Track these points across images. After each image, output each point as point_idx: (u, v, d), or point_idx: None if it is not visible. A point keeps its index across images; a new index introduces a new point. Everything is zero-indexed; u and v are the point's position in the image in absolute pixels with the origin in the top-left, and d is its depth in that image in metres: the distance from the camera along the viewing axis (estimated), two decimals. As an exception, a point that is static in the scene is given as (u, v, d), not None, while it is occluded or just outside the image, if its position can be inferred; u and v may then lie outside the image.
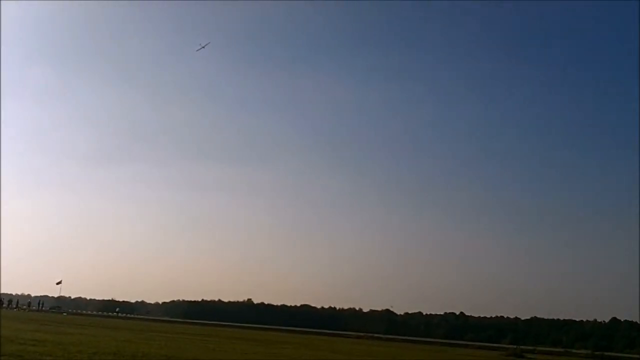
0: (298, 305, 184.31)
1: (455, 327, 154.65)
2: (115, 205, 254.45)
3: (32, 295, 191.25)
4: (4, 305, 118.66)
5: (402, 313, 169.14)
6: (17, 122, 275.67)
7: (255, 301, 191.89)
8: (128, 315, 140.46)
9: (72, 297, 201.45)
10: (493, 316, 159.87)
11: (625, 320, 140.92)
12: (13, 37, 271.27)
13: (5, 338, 26.04)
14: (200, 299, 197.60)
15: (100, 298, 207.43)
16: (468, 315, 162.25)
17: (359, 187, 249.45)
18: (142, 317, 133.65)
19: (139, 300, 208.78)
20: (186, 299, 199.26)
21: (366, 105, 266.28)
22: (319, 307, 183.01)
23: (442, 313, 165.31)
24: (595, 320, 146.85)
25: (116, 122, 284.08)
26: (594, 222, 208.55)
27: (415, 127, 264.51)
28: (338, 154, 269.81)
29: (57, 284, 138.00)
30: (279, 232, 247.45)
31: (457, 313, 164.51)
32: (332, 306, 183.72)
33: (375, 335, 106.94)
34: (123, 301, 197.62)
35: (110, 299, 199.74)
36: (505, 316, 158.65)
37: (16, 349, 21.34)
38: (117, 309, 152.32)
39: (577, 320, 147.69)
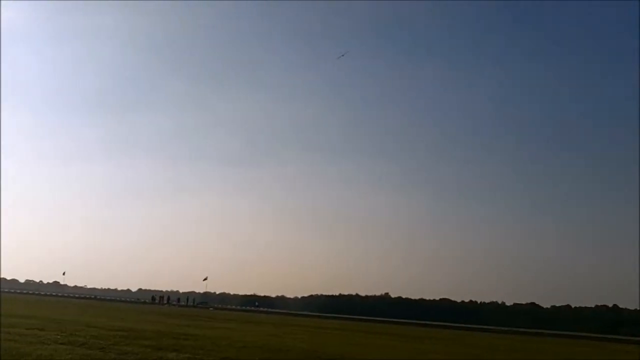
0: (437, 299, 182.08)
1: (607, 321, 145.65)
2: (253, 205, 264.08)
3: (180, 291, 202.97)
4: (163, 302, 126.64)
5: (548, 306, 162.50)
6: (157, 129, 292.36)
7: (393, 295, 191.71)
8: (268, 309, 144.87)
9: (217, 292, 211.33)
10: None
11: None
12: (150, 52, 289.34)
13: (161, 333, 27.45)
14: (337, 294, 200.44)
15: (243, 293, 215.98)
16: (622, 308, 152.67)
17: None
18: (282, 311, 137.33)
19: (279, 294, 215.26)
20: (324, 294, 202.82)
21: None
22: (458, 300, 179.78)
23: (592, 306, 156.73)
24: None
25: (251, 126, 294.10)
26: None
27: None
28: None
29: (204, 280, 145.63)
30: (416, 224, 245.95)
31: (610, 306, 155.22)
32: (473, 300, 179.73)
33: (521, 329, 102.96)
34: (264, 296, 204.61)
35: (252, 294, 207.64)
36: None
37: (171, 342, 22.36)
38: (257, 303, 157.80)
39: None
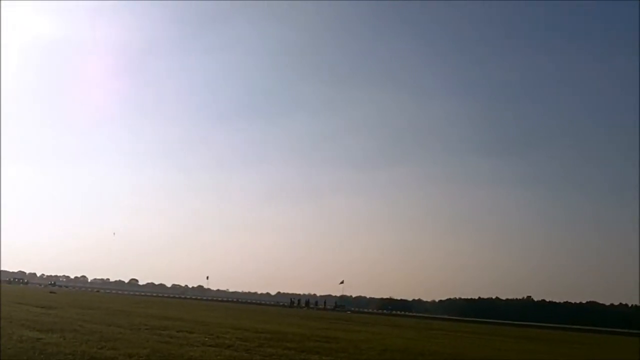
0: (584, 302, 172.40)
1: None
2: (390, 207, 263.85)
3: (317, 294, 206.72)
4: (302, 305, 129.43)
5: None
6: (293, 134, 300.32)
7: (536, 298, 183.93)
8: (406, 313, 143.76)
9: (353, 295, 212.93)
10: None
11: None
12: (287, 64, 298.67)
13: (303, 335, 27.86)
14: (476, 297, 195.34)
15: (379, 296, 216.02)
16: None
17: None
18: (419, 314, 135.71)
19: (416, 298, 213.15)
20: (462, 297, 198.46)
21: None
22: (607, 303, 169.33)
23: None
24: None
25: (385, 127, 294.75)
26: None
27: None
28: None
29: (340, 283, 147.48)
30: (555, 223, 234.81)
31: None
32: (624, 303, 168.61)
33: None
34: (400, 299, 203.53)
35: (389, 297, 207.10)
36: None
37: (314, 345, 22.60)
38: (389, 307, 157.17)
39: None
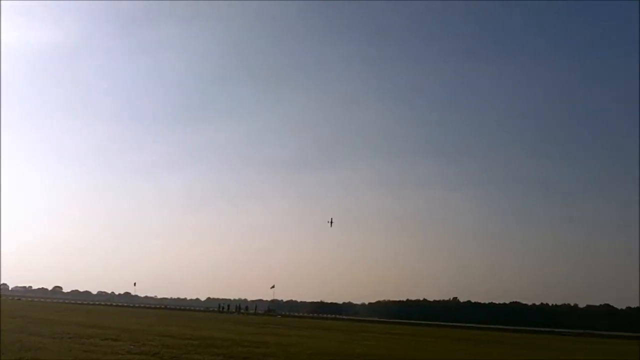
0: (507, 302, 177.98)
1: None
2: (318, 211, 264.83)
3: (249, 299, 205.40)
4: (232, 311, 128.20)
5: (623, 307, 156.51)
6: (222, 137, 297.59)
7: (462, 299, 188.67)
8: (336, 316, 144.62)
9: (284, 300, 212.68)
10: None
11: None
12: (213, 60, 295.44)
13: (232, 341, 27.61)
14: (405, 299, 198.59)
15: (310, 300, 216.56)
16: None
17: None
18: (350, 317, 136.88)
19: (346, 301, 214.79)
20: (391, 299, 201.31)
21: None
22: (529, 304, 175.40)
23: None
24: None
25: (313, 131, 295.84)
26: None
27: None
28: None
29: (271, 288, 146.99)
30: (483, 228, 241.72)
31: None
32: (544, 302, 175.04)
33: (596, 332, 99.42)
34: (331, 302, 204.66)
35: (320, 300, 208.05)
36: None
37: (242, 351, 22.42)
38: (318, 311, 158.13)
39: None
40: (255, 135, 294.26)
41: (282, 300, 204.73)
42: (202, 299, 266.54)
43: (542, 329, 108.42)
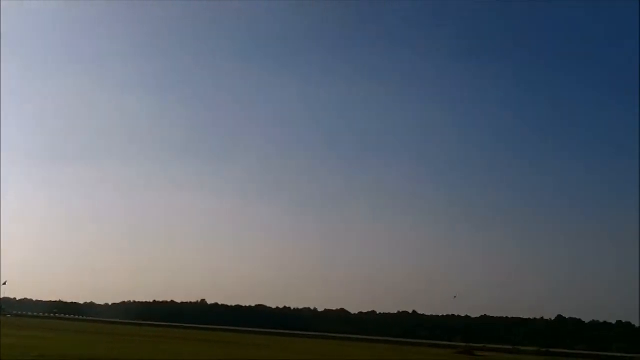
0: (253, 305, 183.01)
1: (409, 325, 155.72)
2: (59, 204, 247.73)
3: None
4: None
5: (356, 312, 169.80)
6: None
7: (210, 302, 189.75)
8: (76, 316, 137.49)
9: (18, 298, 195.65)
10: (445, 315, 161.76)
11: (570, 318, 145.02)
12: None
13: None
14: (152, 300, 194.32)
15: (48, 299, 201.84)
16: (421, 314, 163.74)
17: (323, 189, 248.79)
18: (91, 318, 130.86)
19: (88, 301, 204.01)
20: (137, 300, 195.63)
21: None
22: (274, 307, 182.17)
23: (395, 312, 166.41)
24: (542, 318, 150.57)
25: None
26: (539, 223, 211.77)
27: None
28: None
29: (2, 284, 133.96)
30: (233, 232, 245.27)
31: (411, 312, 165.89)
32: (287, 306, 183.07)
33: (331, 334, 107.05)
34: (72, 302, 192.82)
35: (58, 300, 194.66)
36: (457, 315, 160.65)
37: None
38: (55, 310, 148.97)
39: (526, 318, 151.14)
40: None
41: (14, 298, 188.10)
42: None
43: (284, 331, 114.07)
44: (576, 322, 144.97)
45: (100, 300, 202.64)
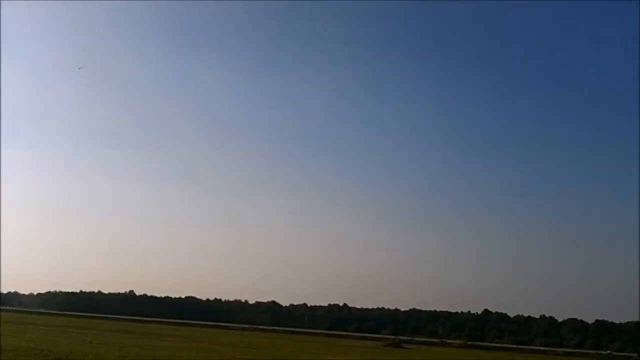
0: (183, 297, 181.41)
1: (338, 318, 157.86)
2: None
3: None
4: None
5: (287, 304, 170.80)
6: None
7: (138, 293, 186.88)
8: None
9: None
10: (375, 307, 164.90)
11: (496, 312, 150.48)
12: None
13: None
14: (78, 290, 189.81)
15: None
16: (351, 307, 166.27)
17: (252, 182, 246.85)
18: (14, 308, 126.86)
19: (11, 290, 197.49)
20: (63, 290, 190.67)
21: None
22: (204, 299, 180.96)
23: (326, 305, 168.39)
24: (469, 312, 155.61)
25: None
26: (475, 220, 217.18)
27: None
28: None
29: None
30: (163, 221, 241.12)
31: (341, 304, 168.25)
32: (218, 298, 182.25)
33: (261, 326, 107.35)
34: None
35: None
36: (386, 308, 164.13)
37: None
38: None
39: (453, 312, 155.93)
40: None
41: None
42: None
43: (213, 323, 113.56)
44: (501, 317, 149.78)
45: (24, 290, 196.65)
